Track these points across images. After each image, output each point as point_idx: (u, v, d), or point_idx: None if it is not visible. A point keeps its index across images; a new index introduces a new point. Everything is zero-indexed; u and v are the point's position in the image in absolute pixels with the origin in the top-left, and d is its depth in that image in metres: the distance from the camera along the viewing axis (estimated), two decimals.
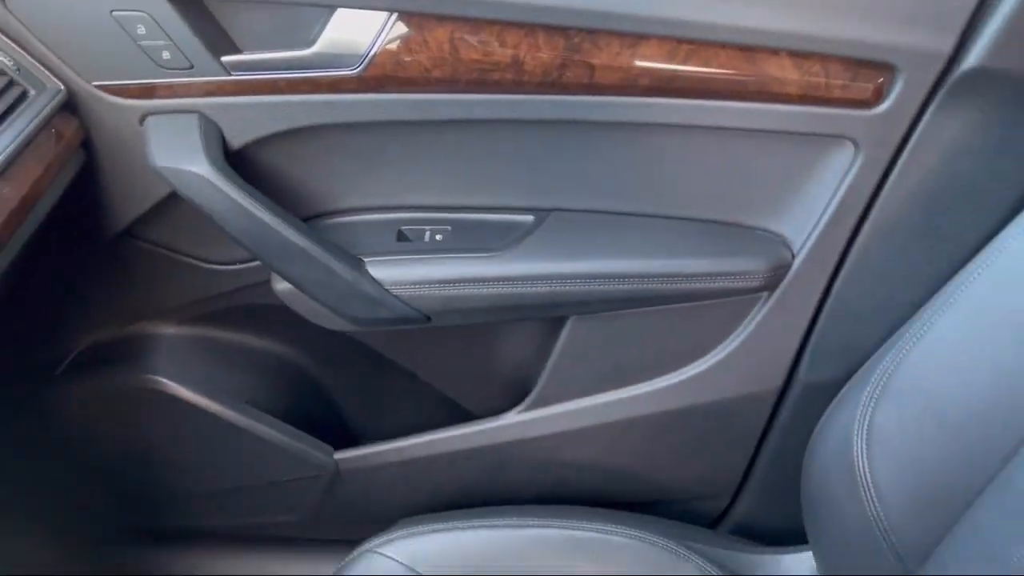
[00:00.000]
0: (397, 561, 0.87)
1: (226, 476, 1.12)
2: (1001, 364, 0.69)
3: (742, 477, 1.09)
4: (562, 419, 1.04)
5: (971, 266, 0.73)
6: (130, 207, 0.92)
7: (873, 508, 0.78)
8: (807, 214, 0.91)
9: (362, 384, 1.14)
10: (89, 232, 0.94)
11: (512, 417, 1.05)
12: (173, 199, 0.91)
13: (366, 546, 0.89)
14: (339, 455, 1.10)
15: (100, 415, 1.07)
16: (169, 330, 1.07)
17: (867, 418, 0.80)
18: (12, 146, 0.77)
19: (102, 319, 1.05)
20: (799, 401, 1.01)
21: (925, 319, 0.76)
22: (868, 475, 0.78)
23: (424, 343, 1.08)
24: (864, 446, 0.79)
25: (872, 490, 0.78)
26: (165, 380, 1.03)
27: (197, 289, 1.03)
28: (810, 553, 0.97)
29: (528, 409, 1.05)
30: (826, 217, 0.90)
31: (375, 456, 1.09)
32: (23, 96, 0.80)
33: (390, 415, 1.14)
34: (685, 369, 1.01)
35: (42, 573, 1.20)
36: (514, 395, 1.07)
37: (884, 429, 0.79)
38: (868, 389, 0.79)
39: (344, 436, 1.14)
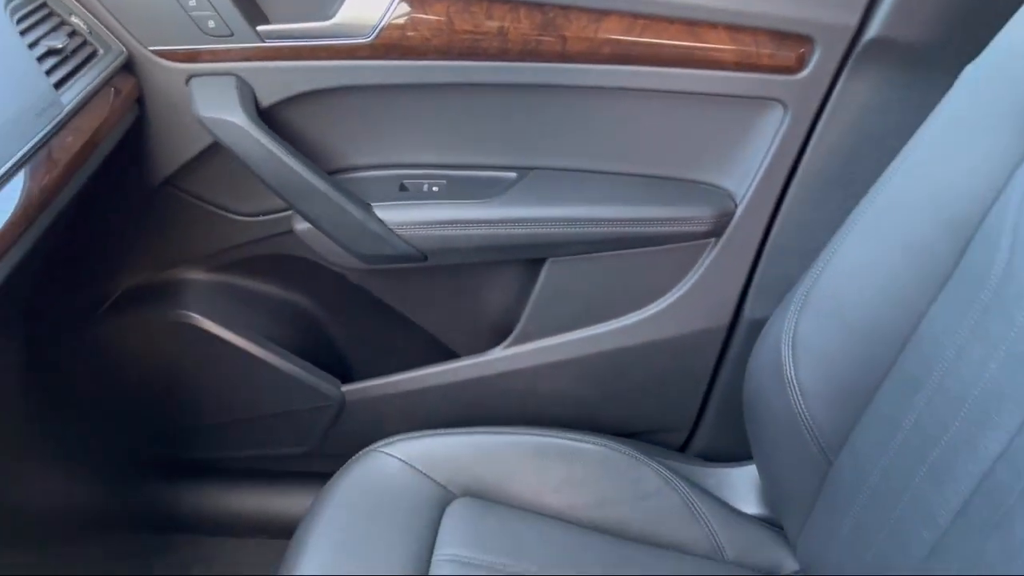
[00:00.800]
0: (396, 458, 1.01)
1: (244, 406, 1.26)
2: (891, 272, 0.84)
3: (699, 409, 1.23)
4: (540, 354, 1.19)
5: (869, 194, 0.88)
6: (173, 158, 1.07)
7: (798, 404, 0.92)
8: (746, 168, 1.07)
9: (363, 328, 1.29)
10: (136, 181, 1.09)
11: (498, 353, 1.20)
12: (209, 153, 1.06)
13: (368, 448, 1.03)
14: (345, 387, 1.24)
15: (137, 348, 1.21)
16: (199, 276, 1.22)
17: (792, 328, 0.94)
18: (78, 99, 0.92)
19: (142, 264, 1.19)
20: (745, 337, 1.15)
21: (836, 241, 0.91)
22: (794, 376, 0.92)
23: (417, 288, 1.23)
24: (790, 352, 0.94)
25: (797, 388, 0.92)
26: (196, 315, 1.17)
27: (225, 238, 1.17)
28: (754, 466, 1.11)
29: (510, 346, 1.19)
30: (762, 170, 1.05)
31: (377, 388, 1.23)
32: (92, 55, 0.95)
33: (386, 356, 1.28)
34: (646, 308, 1.15)
35: (69, 504, 1.33)
36: (496, 336, 1.22)
37: (805, 336, 0.93)
38: (793, 305, 0.94)
39: (346, 376, 1.28)
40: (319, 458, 1.30)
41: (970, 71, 0.77)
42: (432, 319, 1.26)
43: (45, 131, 0.81)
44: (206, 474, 1.37)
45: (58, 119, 0.84)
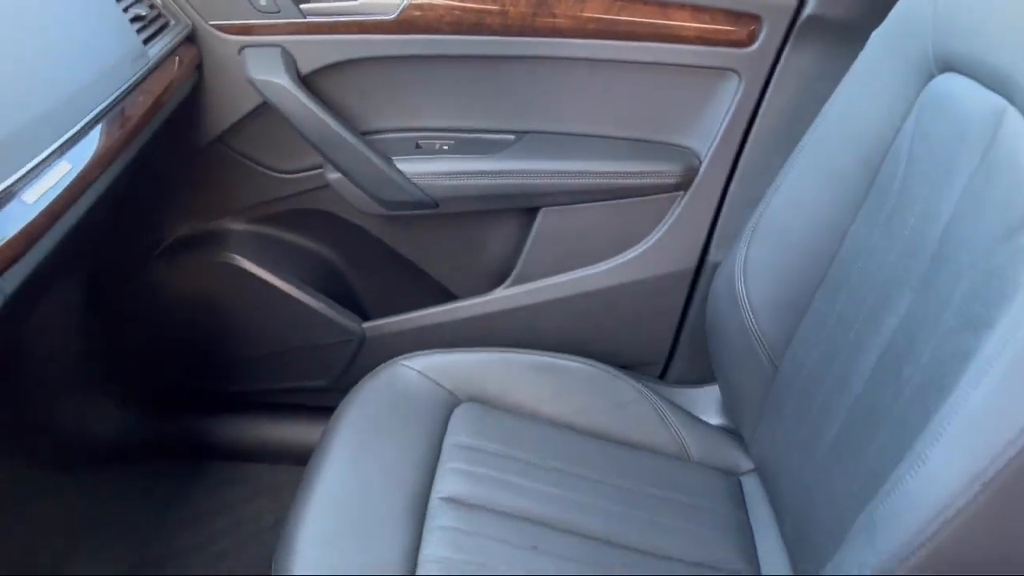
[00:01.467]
0: (414, 369, 1.18)
1: (277, 340, 1.43)
2: (820, 200, 1.01)
3: (672, 342, 1.41)
4: (534, 294, 1.37)
5: (803, 139, 1.06)
6: (224, 118, 1.25)
7: (749, 320, 1.09)
8: (707, 129, 1.26)
9: (379, 275, 1.47)
10: (191, 139, 1.27)
11: (499, 293, 1.38)
12: (254, 115, 1.25)
13: (391, 361, 1.20)
14: (366, 324, 1.42)
15: (187, 288, 1.39)
16: (241, 226, 1.40)
17: (744, 256, 1.12)
18: (150, 64, 1.10)
19: (192, 214, 1.38)
20: (710, 278, 1.33)
21: (778, 180, 1.09)
22: (745, 296, 1.10)
23: (427, 238, 1.41)
24: (743, 275, 1.11)
25: (748, 306, 1.09)
26: (239, 258, 1.36)
27: (264, 192, 1.36)
28: (716, 386, 1.28)
29: (509, 287, 1.38)
30: (721, 131, 1.24)
31: (393, 325, 1.41)
32: (165, 26, 1.14)
33: (398, 300, 1.45)
34: (624, 253, 1.34)
35: (118, 431, 1.50)
36: (496, 280, 1.40)
37: (754, 260, 1.11)
38: (744, 236, 1.11)
39: (364, 317, 1.45)
40: (341, 392, 1.48)
41: (876, 34, 0.96)
42: (439, 266, 1.44)
43: (137, 76, 1.00)
44: (239, 406, 1.54)
45: (147, 67, 1.02)
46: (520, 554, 0.95)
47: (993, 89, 0.76)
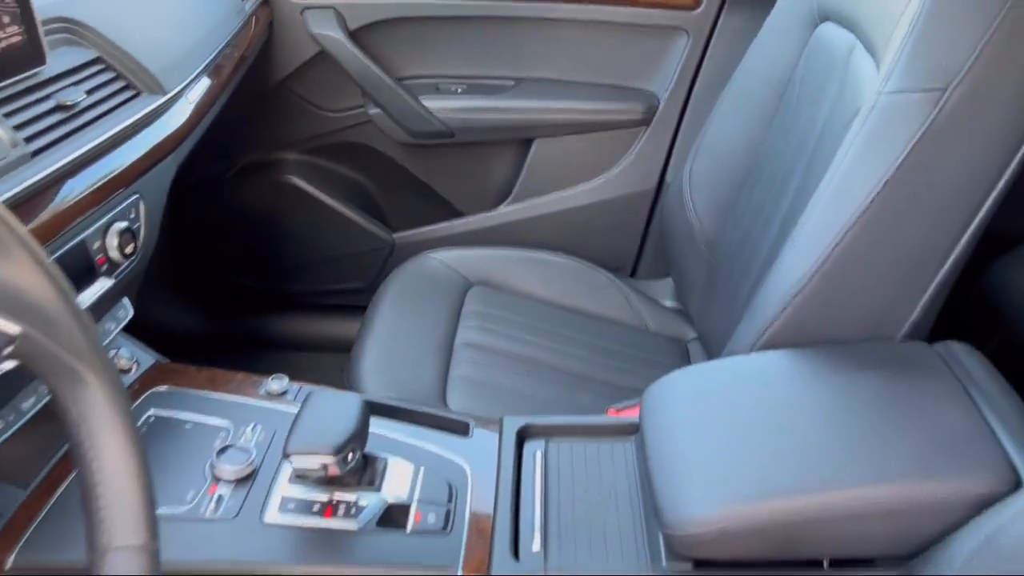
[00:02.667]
0: (437, 259, 1.52)
1: (324, 247, 1.77)
2: (744, 122, 1.33)
3: (639, 249, 1.75)
4: (528, 210, 1.71)
5: (731, 78, 1.39)
6: (287, 66, 1.59)
7: (693, 218, 1.42)
8: (664, 76, 1.59)
9: (403, 196, 1.80)
10: (261, 83, 1.60)
11: (501, 209, 1.72)
12: (310, 63, 1.58)
13: (418, 255, 1.53)
14: (395, 234, 1.76)
15: (251, 203, 1.72)
16: (295, 156, 1.73)
17: (689, 168, 1.45)
18: (238, 24, 1.43)
19: (258, 145, 1.71)
20: (667, 199, 1.67)
21: (716, 106, 1.42)
22: (691, 200, 1.42)
23: (443, 166, 1.74)
24: (688, 184, 1.45)
25: (692, 208, 1.41)
26: (295, 179, 1.69)
27: (315, 127, 1.69)
28: (670, 278, 1.61)
29: (509, 204, 1.71)
30: (675, 77, 1.58)
31: (417, 235, 1.75)
32: None
33: (419, 215, 1.79)
34: (601, 176, 1.68)
35: (188, 324, 1.82)
36: (499, 199, 1.73)
37: (697, 172, 1.44)
38: (691, 153, 1.43)
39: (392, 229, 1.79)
40: (373, 293, 1.81)
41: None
42: (453, 188, 1.78)
43: (238, 26, 1.33)
44: (289, 306, 1.87)
45: (242, 22, 1.35)
46: (517, 377, 1.28)
47: (848, 29, 1.09)
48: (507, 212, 1.72)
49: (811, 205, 0.96)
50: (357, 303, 1.76)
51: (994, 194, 0.89)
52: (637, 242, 1.75)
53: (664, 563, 0.80)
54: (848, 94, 1.00)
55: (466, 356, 1.30)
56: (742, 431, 0.82)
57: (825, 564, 0.79)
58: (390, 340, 1.31)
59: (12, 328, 0.49)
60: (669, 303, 1.61)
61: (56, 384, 0.51)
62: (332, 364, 1.82)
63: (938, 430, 0.79)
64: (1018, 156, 0.88)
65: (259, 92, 1.62)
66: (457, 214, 1.78)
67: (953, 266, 0.92)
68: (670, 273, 1.62)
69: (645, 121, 1.62)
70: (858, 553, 0.77)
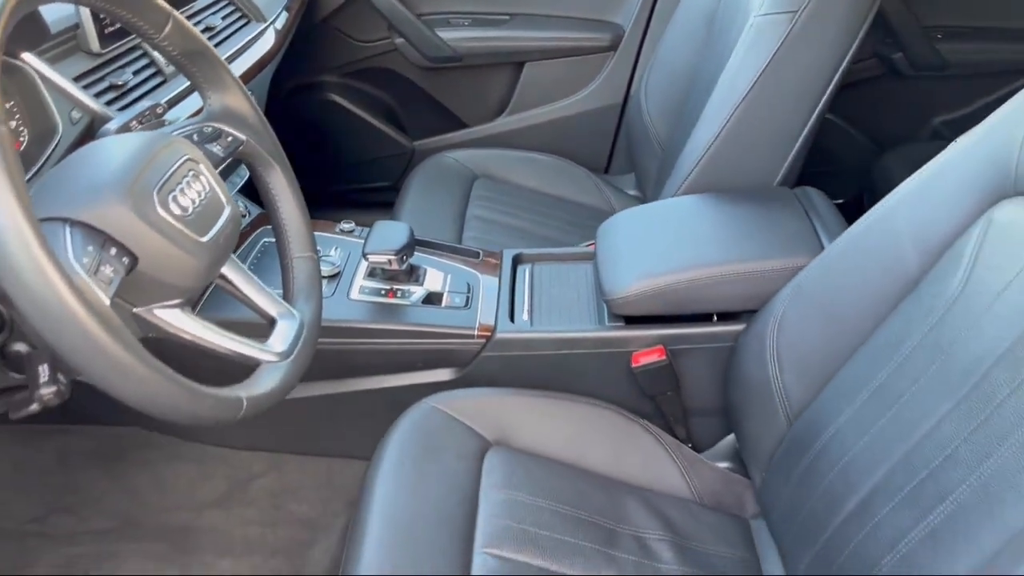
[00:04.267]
0: (452, 158, 1.92)
1: (357, 152, 2.18)
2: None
3: (611, 146, 2.15)
4: (521, 121, 2.12)
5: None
6: (330, 5, 1.98)
7: (649, 122, 1.83)
8: (628, 11, 1.99)
9: (420, 111, 2.20)
10: (310, 19, 1.99)
11: (500, 120, 2.13)
12: (348, 3, 1.97)
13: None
14: (416, 142, 2.17)
15: (299, 117, 2.13)
16: (334, 79, 2.14)
17: (645, 82, 1.85)
18: None
19: (303, 70, 2.11)
20: (633, 106, 2.07)
21: (665, 31, 1.82)
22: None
23: (454, 86, 2.14)
24: (644, 95, 1.85)
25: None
26: (336, 96, 2.10)
27: (350, 55, 2.09)
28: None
29: (506, 116, 2.13)
30: (636, 12, 1.98)
31: (433, 142, 2.16)
32: None
33: (432, 127, 2.19)
34: (579, 92, 2.09)
35: None
36: (495, 113, 2.14)
37: (651, 85, 1.84)
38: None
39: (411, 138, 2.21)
40: (396, 191, 2.22)
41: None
42: (460, 104, 2.18)
43: None
44: (329, 202, 2.28)
45: None
46: (512, 239, 1.70)
47: None
48: (504, 122, 2.13)
49: (714, 93, 1.37)
50: (384, 200, 2.18)
51: (833, 82, 1.30)
52: (609, 145, 2.16)
53: (607, 322, 1.24)
54: (740, 18, 1.41)
55: (474, 225, 1.72)
56: (656, 239, 1.26)
57: (714, 318, 1.22)
58: (419, 214, 1.73)
59: (240, 136, 0.91)
60: (632, 191, 2.02)
61: (260, 169, 0.93)
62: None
63: (780, 232, 1.22)
64: (848, 56, 1.29)
65: (308, 27, 2.01)
66: (463, 125, 2.18)
67: (807, 135, 1.34)
68: (633, 169, 2.03)
69: (613, 47, 2.02)
70: (726, 308, 1.20)
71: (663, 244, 1.25)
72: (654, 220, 1.32)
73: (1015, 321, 0.78)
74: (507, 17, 2.04)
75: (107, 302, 0.65)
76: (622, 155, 2.16)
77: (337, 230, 1.41)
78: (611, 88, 2.07)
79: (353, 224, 1.42)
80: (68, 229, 0.67)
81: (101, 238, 0.68)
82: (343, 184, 2.27)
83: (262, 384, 0.81)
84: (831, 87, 1.31)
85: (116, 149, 0.74)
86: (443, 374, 1.27)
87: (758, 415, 1.09)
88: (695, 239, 1.24)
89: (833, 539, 0.90)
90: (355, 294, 1.26)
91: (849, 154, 2.08)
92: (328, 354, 1.20)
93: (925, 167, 0.97)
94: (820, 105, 1.32)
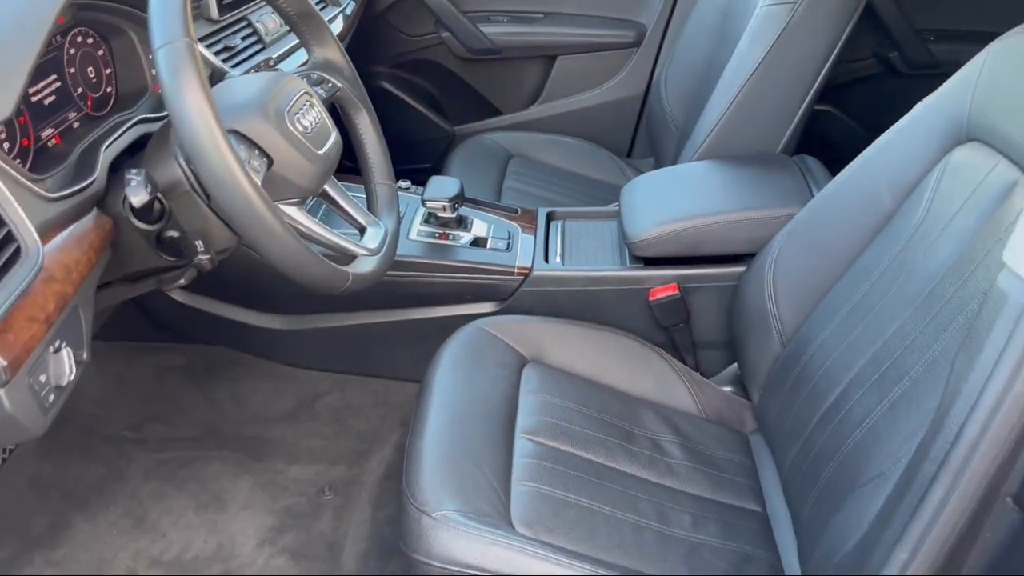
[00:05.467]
0: (490, 139, 2.12)
1: (402, 135, 2.34)
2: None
3: (632, 137, 2.35)
4: (552, 108, 2.32)
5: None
6: (385, 1, 2.20)
7: (668, 108, 2.02)
8: (651, 10, 2.19)
9: (460, 99, 2.41)
10: (367, 15, 2.20)
11: (533, 108, 2.34)
12: (400, 1, 2.18)
13: (473, 136, 2.12)
14: (456, 127, 2.38)
15: None
16: (385, 69, 2.35)
17: (664, 75, 2.05)
18: None
19: (360, 59, 2.31)
20: (653, 96, 2.26)
21: (683, 28, 2.02)
22: (664, 96, 1.98)
23: (491, 77, 2.35)
24: (664, 86, 2.05)
25: (665, 101, 1.97)
26: (386, 84, 2.31)
27: (401, 47, 2.31)
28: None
29: (539, 104, 2.33)
30: (658, 12, 2.18)
31: (471, 127, 2.37)
32: None
33: (471, 114, 2.40)
34: (605, 83, 2.28)
35: None
36: (529, 102, 2.34)
37: (670, 77, 2.03)
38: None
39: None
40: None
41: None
42: (496, 93, 2.39)
43: None
44: None
45: None
46: (545, 205, 1.90)
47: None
48: (537, 110, 2.33)
49: (724, 73, 1.57)
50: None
51: (827, 65, 1.50)
52: (631, 131, 2.35)
53: (628, 264, 1.44)
54: (750, 9, 1.60)
55: (510, 195, 1.92)
56: (671, 194, 1.46)
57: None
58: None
59: (338, 83, 1.11)
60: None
61: (351, 112, 1.14)
62: None
63: (778, 188, 1.42)
64: (839, 44, 1.49)
65: (366, 21, 2.22)
66: (499, 112, 2.39)
67: (805, 111, 1.53)
68: (652, 154, 2.23)
69: (636, 43, 2.23)
70: (731, 251, 1.39)
71: (677, 198, 1.44)
72: (671, 180, 1.52)
73: (960, 241, 0.96)
74: (541, 15, 2.25)
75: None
76: (643, 141, 2.35)
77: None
78: (634, 80, 2.27)
79: (409, 182, 1.63)
80: (229, 136, 0.87)
81: (248, 143, 0.89)
82: None
83: (361, 268, 1.01)
84: (825, 68, 1.50)
85: (253, 82, 0.95)
86: (487, 307, 1.47)
87: (757, 340, 1.25)
88: (705, 194, 1.44)
89: (814, 431, 1.06)
90: (413, 235, 1.47)
91: (851, 144, 2.26)
92: (389, 285, 1.40)
93: (898, 123, 1.15)
94: (816, 84, 1.51)
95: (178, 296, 1.48)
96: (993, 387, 0.73)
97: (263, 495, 1.46)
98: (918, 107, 1.13)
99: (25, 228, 0.76)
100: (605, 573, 0.96)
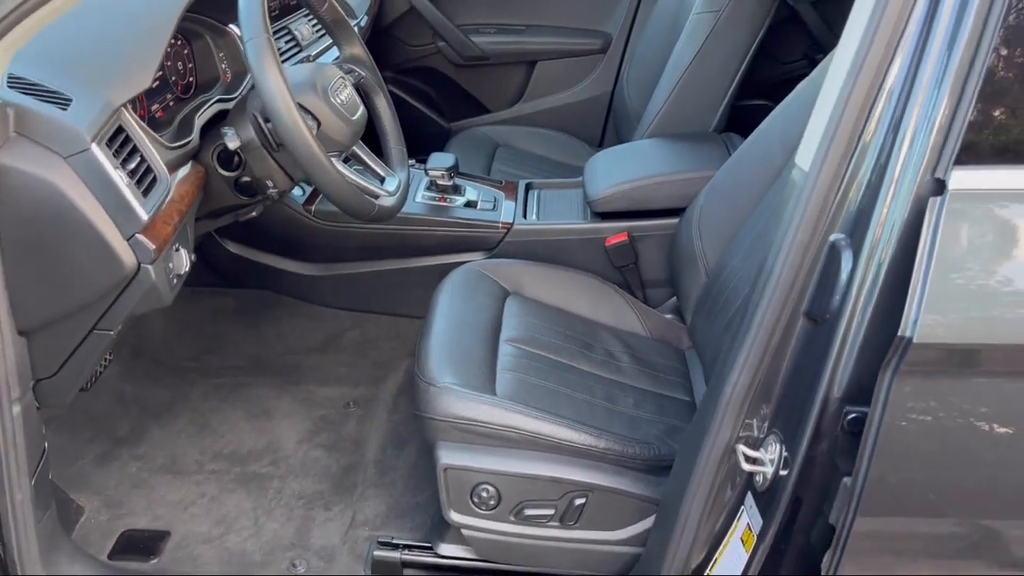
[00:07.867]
0: (480, 131, 2.46)
1: (404, 130, 2.72)
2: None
3: (602, 129, 2.69)
4: (533, 106, 2.66)
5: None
6: (390, 16, 2.54)
7: (630, 104, 2.36)
8: (616, 21, 2.54)
9: (452, 98, 2.74)
10: (375, 27, 2.55)
11: (516, 106, 2.68)
12: (403, 16, 2.53)
13: (466, 130, 2.48)
14: (451, 123, 2.72)
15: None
16: (390, 74, 2.69)
17: (627, 74, 2.40)
18: None
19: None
20: (618, 99, 2.60)
21: (643, 31, 2.36)
22: (626, 94, 2.35)
23: (480, 81, 2.69)
24: (626, 84, 2.40)
25: (627, 98, 2.33)
26: (391, 87, 2.64)
27: (402, 56, 2.65)
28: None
29: (521, 103, 2.67)
30: (621, 22, 2.53)
31: (464, 123, 2.70)
32: None
33: (463, 110, 2.74)
34: (577, 85, 2.63)
35: None
36: (513, 100, 2.69)
37: (631, 76, 2.38)
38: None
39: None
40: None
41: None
42: (484, 93, 2.73)
43: None
44: None
45: None
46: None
47: None
48: (520, 108, 2.68)
49: (666, 66, 1.92)
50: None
51: (746, 60, 1.84)
52: (601, 124, 2.69)
53: (588, 218, 1.78)
54: (687, 14, 1.95)
55: (497, 176, 2.26)
56: (623, 163, 1.80)
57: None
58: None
59: (362, 73, 1.45)
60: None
61: (371, 94, 1.48)
62: None
63: (705, 155, 1.76)
64: (755, 44, 1.83)
65: (374, 34, 2.57)
66: (488, 110, 2.73)
67: (730, 98, 1.87)
68: (619, 142, 2.56)
69: (603, 49, 2.58)
70: (668, 205, 1.73)
71: (627, 165, 1.79)
72: (623, 153, 1.87)
73: None
74: (524, 27, 2.60)
75: None
76: (612, 132, 2.69)
77: None
78: (602, 81, 2.62)
79: (413, 160, 1.96)
80: None
81: (304, 110, 1.23)
82: None
83: (383, 203, 1.35)
84: (745, 62, 1.85)
85: (306, 69, 1.29)
86: (477, 255, 1.81)
87: (688, 274, 1.53)
88: (649, 162, 1.78)
89: (723, 334, 1.32)
90: (419, 199, 1.81)
91: None
92: (399, 237, 1.75)
93: (787, 97, 1.42)
94: (738, 76, 1.86)
95: (231, 247, 1.81)
96: (787, 239, 0.96)
97: (301, 408, 1.79)
98: (802, 83, 1.43)
99: (159, 165, 1.10)
100: (563, 421, 1.29)
